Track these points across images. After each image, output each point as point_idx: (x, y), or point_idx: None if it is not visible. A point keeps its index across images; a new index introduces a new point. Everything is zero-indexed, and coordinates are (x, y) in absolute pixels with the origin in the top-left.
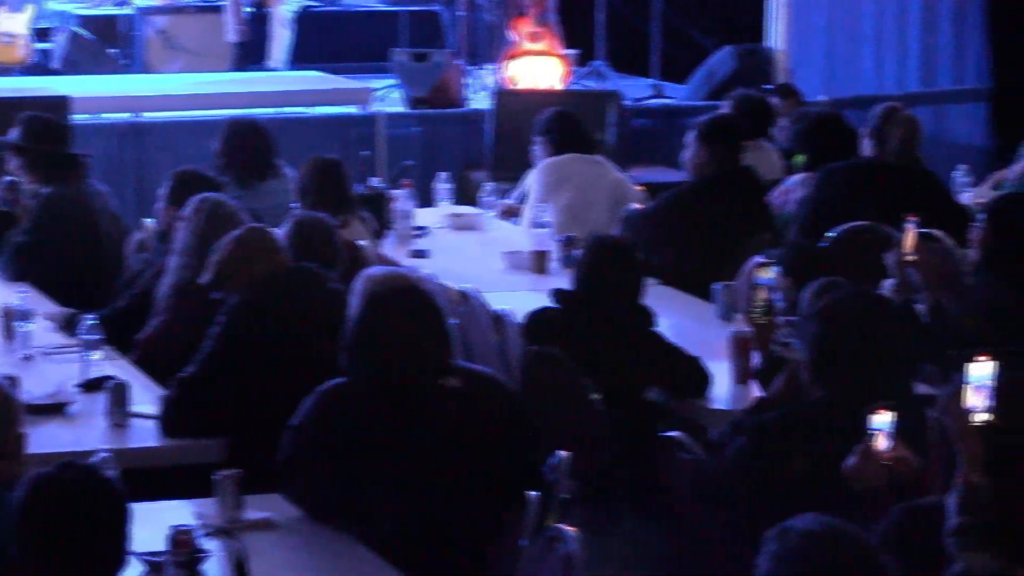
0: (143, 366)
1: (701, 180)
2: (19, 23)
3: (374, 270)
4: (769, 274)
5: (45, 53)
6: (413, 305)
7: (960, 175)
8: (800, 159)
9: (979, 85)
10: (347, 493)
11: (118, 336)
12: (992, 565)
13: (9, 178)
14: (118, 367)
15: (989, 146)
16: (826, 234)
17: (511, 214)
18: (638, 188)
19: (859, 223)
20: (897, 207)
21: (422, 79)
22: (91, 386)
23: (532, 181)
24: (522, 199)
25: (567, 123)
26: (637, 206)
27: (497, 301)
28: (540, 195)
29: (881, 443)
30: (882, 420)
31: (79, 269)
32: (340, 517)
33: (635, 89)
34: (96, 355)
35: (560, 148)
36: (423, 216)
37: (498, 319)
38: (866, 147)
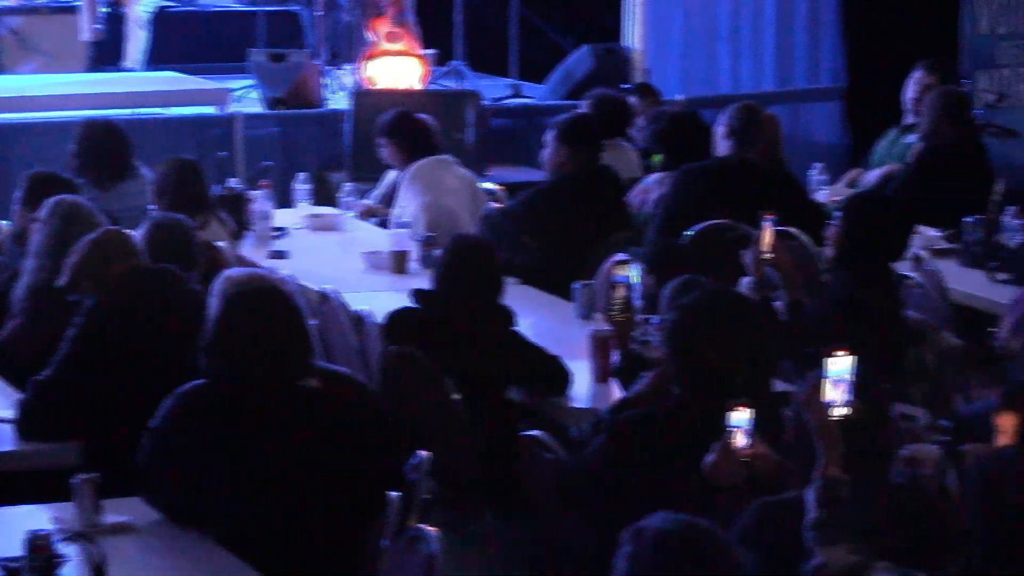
0: None
1: (560, 179)
2: None
3: (233, 271)
4: (627, 272)
5: None
6: (272, 306)
7: (816, 173)
8: (657, 158)
9: (834, 84)
10: (207, 496)
11: None
12: (850, 559)
13: None
14: None
15: (844, 144)
16: (685, 233)
17: (371, 214)
18: (499, 188)
19: (717, 222)
20: (753, 206)
21: (280, 79)
22: None
23: (403, 185)
24: (383, 199)
25: (416, 125)
26: (497, 205)
27: (357, 302)
28: (420, 200)
29: (740, 440)
30: (740, 417)
31: None
32: (200, 520)
33: (494, 89)
34: None
35: (414, 150)
36: (282, 217)
37: (358, 320)
38: (724, 146)
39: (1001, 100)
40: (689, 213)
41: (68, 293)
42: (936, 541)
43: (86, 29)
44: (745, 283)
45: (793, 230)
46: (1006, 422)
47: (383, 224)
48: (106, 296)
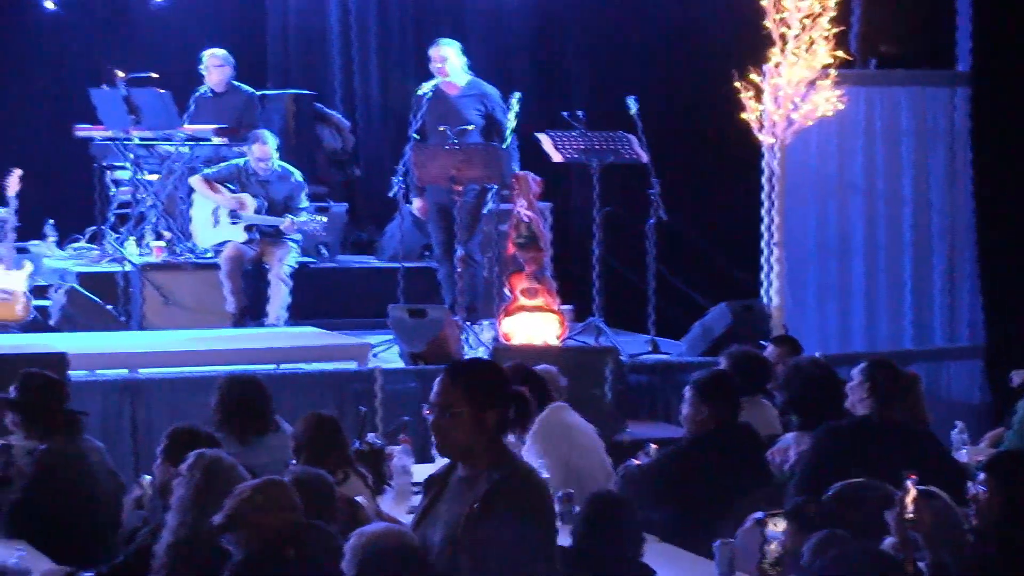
0: None
1: (699, 436)
2: (17, 280)
3: (367, 528)
4: (779, 527)
5: (43, 310)
6: (407, 562)
7: (957, 432)
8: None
9: (973, 342)
10: None
11: None
12: None
13: (2, 441)
14: None
15: (985, 403)
16: (826, 492)
17: None
18: (654, 446)
19: (858, 480)
20: (895, 465)
21: (419, 335)
22: None
23: (530, 440)
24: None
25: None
26: (635, 462)
27: None
28: (551, 454)
29: None
30: None
31: (75, 526)
32: None
33: (632, 345)
34: None
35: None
36: (422, 472)
37: None
38: (864, 404)
39: None
40: (829, 472)
41: (220, 533)
42: None
43: (230, 300)
44: (888, 543)
45: (935, 490)
46: None
47: None
48: (256, 550)
